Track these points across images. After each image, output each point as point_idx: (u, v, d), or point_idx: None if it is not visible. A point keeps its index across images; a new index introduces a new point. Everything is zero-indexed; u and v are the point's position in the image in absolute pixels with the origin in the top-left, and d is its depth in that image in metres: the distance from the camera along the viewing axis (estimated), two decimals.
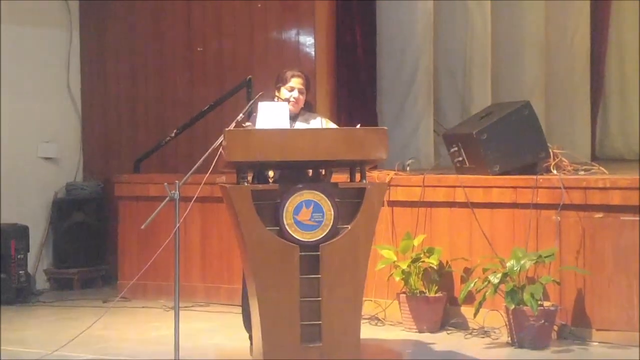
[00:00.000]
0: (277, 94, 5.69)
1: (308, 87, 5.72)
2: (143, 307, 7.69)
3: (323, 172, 5.61)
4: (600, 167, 7.04)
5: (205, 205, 7.60)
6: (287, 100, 5.64)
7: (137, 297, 7.88)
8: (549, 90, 9.53)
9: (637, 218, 6.13)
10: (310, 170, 5.55)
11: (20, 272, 8.07)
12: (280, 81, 5.68)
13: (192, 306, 7.57)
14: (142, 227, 5.36)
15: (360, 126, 5.43)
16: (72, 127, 9.19)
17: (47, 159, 8.95)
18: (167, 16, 8.92)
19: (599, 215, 6.28)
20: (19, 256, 8.10)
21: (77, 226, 8.74)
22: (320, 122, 5.70)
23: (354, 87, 8.42)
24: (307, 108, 5.77)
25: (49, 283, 8.77)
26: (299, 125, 5.65)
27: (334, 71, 8.41)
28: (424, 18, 8.49)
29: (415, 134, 8.40)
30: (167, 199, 5.32)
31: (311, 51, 8.26)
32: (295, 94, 5.65)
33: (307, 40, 8.27)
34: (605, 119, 10.55)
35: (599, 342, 6.18)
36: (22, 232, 8.22)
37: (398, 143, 8.05)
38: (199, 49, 8.70)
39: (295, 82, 5.66)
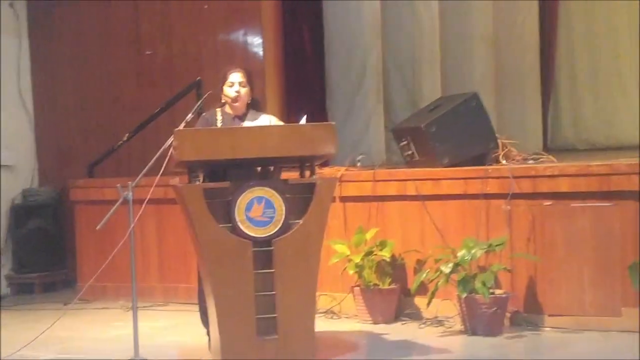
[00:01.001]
0: (222, 94, 5.74)
1: (250, 81, 5.75)
2: (103, 307, 7.75)
3: (272, 169, 5.69)
4: (549, 156, 7.15)
5: (160, 207, 7.64)
6: (232, 98, 5.69)
7: (97, 299, 7.94)
8: (499, 83, 9.60)
9: (586, 204, 6.24)
10: (259, 168, 5.62)
11: None
12: (221, 81, 5.73)
13: (150, 306, 7.64)
14: (97, 227, 5.45)
15: (307, 119, 5.52)
16: (26, 133, 9.20)
17: (2, 166, 8.95)
18: (115, 20, 8.94)
19: (548, 202, 6.37)
20: None
21: (35, 232, 8.77)
22: (268, 120, 5.76)
23: (302, 85, 8.49)
24: (255, 107, 5.82)
25: (10, 288, 8.80)
26: (247, 124, 5.70)
27: (282, 70, 8.47)
28: (371, 15, 8.55)
29: (365, 130, 8.45)
30: (121, 200, 5.40)
31: (259, 51, 8.34)
32: (237, 87, 5.69)
33: (255, 40, 8.35)
34: (556, 109, 10.63)
35: (551, 328, 6.28)
36: None
37: (349, 139, 8.11)
38: (147, 52, 8.75)
39: (234, 77, 5.70)
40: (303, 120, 5.52)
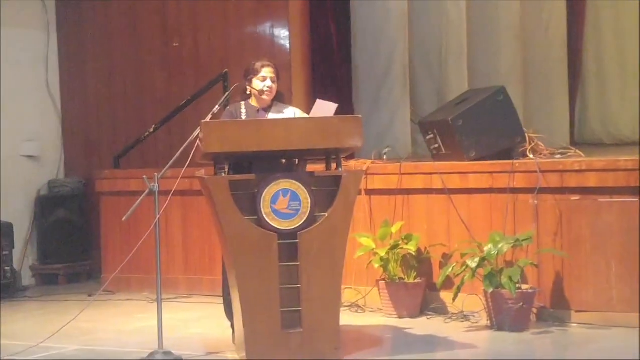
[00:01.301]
0: (248, 86, 5.73)
1: (278, 76, 5.78)
2: (127, 299, 7.78)
3: (297, 162, 5.67)
4: (577, 151, 7.10)
5: (185, 198, 7.67)
6: (262, 91, 5.69)
7: (122, 290, 7.97)
8: (526, 76, 9.54)
9: (614, 199, 6.19)
10: (284, 160, 5.61)
11: (6, 268, 8.18)
12: (251, 73, 5.73)
13: (175, 298, 7.65)
14: (123, 219, 5.47)
15: (336, 105, 5.52)
16: (53, 125, 9.26)
17: (29, 157, 9.02)
18: (143, 13, 8.96)
19: (576, 197, 6.33)
20: (4, 253, 8.20)
21: (60, 223, 8.83)
22: (292, 113, 5.76)
23: (329, 77, 8.48)
24: (279, 99, 5.82)
25: (35, 279, 8.87)
26: (272, 116, 5.71)
27: (309, 63, 8.47)
28: (398, 7, 8.50)
29: (391, 123, 8.41)
30: (147, 191, 5.41)
31: (286, 44, 8.33)
32: (269, 82, 5.70)
33: (282, 33, 8.34)
34: (583, 103, 10.53)
35: (578, 324, 6.24)
36: (6, 229, 8.31)
37: (375, 132, 8.08)
38: (175, 44, 8.76)
39: (267, 71, 5.71)
40: (332, 108, 5.49)
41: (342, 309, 5.85)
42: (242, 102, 5.78)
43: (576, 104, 10.39)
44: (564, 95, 10.00)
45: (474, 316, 6.47)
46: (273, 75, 5.72)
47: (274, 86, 5.73)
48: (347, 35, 8.58)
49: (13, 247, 8.36)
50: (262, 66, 5.70)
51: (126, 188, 8.06)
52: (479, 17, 9.17)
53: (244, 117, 5.70)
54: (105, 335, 6.48)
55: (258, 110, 5.75)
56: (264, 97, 5.71)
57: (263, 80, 5.70)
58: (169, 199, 5.63)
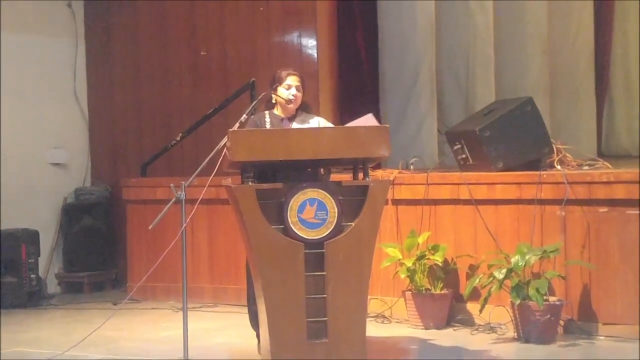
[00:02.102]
0: (274, 94, 5.74)
1: (304, 85, 5.78)
2: (152, 308, 7.79)
3: (322, 171, 5.67)
4: (605, 162, 7.05)
5: (211, 207, 7.67)
6: (288, 100, 5.69)
7: (147, 299, 7.99)
8: (553, 87, 9.53)
9: None
10: (309, 169, 5.60)
11: (32, 275, 8.20)
12: (277, 81, 5.74)
13: (200, 307, 7.65)
14: (150, 227, 5.48)
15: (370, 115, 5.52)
16: (80, 133, 9.31)
17: (56, 164, 9.07)
18: (171, 21, 9.02)
19: (604, 209, 6.29)
20: (30, 260, 8.22)
21: (86, 230, 8.85)
22: (317, 122, 5.76)
23: (356, 87, 8.49)
24: (304, 108, 5.82)
25: (60, 287, 8.91)
26: (296, 125, 5.71)
27: (336, 72, 8.48)
28: (426, 17, 8.51)
29: (418, 132, 8.41)
30: (174, 199, 5.42)
31: (313, 53, 8.34)
32: (294, 91, 5.71)
33: (309, 42, 8.36)
34: (610, 115, 10.51)
35: (605, 336, 6.19)
36: (32, 237, 8.33)
37: (401, 142, 8.08)
38: (202, 53, 8.79)
39: (292, 79, 5.72)
40: (371, 118, 5.50)
41: (368, 319, 5.82)
42: (267, 112, 5.79)
43: (603, 115, 10.35)
44: (591, 107, 9.97)
45: (500, 328, 6.43)
46: (298, 84, 5.72)
47: (299, 94, 5.73)
48: (374, 45, 8.59)
49: (39, 255, 8.39)
50: (288, 74, 5.71)
51: (152, 196, 8.08)
52: (506, 28, 9.17)
53: (268, 126, 5.70)
54: (130, 344, 6.48)
55: (282, 120, 5.75)
56: (290, 105, 5.71)
57: (288, 89, 5.70)
58: (195, 207, 5.64)
